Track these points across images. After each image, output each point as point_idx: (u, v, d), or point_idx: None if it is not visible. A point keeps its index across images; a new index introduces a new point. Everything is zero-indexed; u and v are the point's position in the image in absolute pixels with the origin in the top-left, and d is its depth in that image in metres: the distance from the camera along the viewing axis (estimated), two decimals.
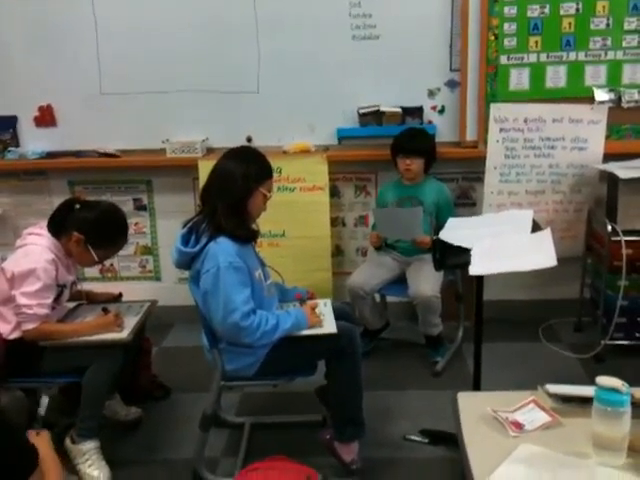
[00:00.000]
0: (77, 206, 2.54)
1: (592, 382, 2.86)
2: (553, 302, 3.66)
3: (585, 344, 3.30)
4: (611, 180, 3.18)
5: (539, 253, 1.97)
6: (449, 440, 2.56)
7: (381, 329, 3.40)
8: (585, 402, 1.47)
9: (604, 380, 1.32)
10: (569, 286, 3.57)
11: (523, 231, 2.21)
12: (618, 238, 3.01)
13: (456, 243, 2.19)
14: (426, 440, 2.60)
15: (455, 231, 2.33)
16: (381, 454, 2.53)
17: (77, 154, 3.63)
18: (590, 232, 3.38)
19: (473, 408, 1.53)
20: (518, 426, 1.45)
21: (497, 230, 2.27)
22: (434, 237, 2.23)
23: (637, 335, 3.12)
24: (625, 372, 2.97)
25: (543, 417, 1.47)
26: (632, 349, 3.14)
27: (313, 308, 2.36)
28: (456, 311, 3.42)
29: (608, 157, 3.27)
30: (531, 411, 1.51)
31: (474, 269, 1.99)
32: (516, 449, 1.36)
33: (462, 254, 2.10)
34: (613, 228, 3.04)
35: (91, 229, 2.49)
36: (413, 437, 2.62)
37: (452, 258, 2.14)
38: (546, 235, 2.09)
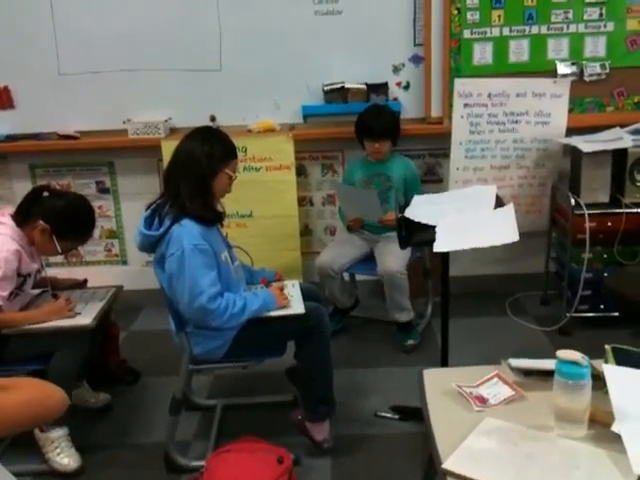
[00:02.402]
0: (45, 194, 2.48)
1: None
2: (519, 276, 3.71)
3: (551, 317, 3.35)
4: (574, 154, 3.21)
5: (501, 229, 1.99)
6: (419, 415, 2.57)
7: (351, 308, 3.41)
8: (547, 375, 1.49)
9: (564, 353, 1.34)
10: (535, 260, 3.62)
11: (486, 207, 2.22)
12: (582, 212, 3.05)
13: (420, 220, 2.19)
14: (397, 416, 2.63)
15: (420, 208, 2.33)
16: (353, 431, 2.55)
17: (37, 137, 3.55)
18: (554, 206, 3.42)
19: (438, 384, 1.54)
20: (482, 400, 1.47)
21: (461, 206, 2.28)
22: (399, 215, 2.22)
23: (601, 307, 3.17)
24: (590, 344, 3.04)
25: (506, 391, 1.49)
26: (597, 321, 3.20)
27: (281, 289, 2.35)
28: (424, 287, 3.44)
29: (571, 131, 3.30)
30: (495, 385, 1.52)
31: (438, 246, 2.00)
32: (480, 423, 1.38)
33: (427, 231, 2.10)
34: (577, 202, 3.08)
35: (58, 220, 2.43)
36: (384, 414, 2.65)
37: (417, 235, 2.15)
38: (508, 211, 2.10)
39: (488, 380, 1.54)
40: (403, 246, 2.16)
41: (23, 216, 2.45)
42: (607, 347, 1.52)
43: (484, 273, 3.73)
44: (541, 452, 1.29)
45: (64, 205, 2.47)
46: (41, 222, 2.41)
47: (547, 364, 1.50)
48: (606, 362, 1.50)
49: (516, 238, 1.94)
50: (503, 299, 3.63)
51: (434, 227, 2.12)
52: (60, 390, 1.34)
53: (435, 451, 1.32)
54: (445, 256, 2.23)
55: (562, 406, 1.32)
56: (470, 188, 2.71)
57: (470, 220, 2.10)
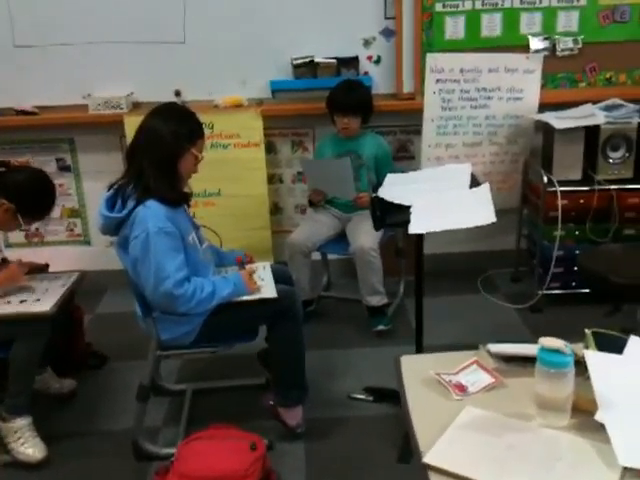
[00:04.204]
0: (2, 169, 2.39)
1: (530, 332, 3.00)
2: (491, 253, 3.70)
3: (522, 294, 3.35)
4: (547, 130, 3.18)
5: (478, 210, 1.94)
6: (393, 397, 2.56)
7: (311, 302, 3.28)
8: (527, 361, 1.46)
9: (547, 341, 1.30)
10: (506, 237, 3.60)
11: (461, 186, 2.18)
12: (554, 189, 3.03)
13: (395, 201, 2.14)
14: (370, 398, 2.60)
15: (394, 188, 2.28)
16: (326, 414, 2.52)
17: None
18: (526, 183, 3.40)
19: (416, 371, 1.50)
20: (461, 388, 1.43)
21: (435, 186, 2.23)
22: (373, 195, 2.16)
23: (573, 284, 3.18)
24: (561, 321, 3.09)
25: (486, 378, 1.45)
26: (568, 298, 3.21)
27: (251, 274, 2.27)
28: (397, 266, 3.40)
29: (543, 107, 3.27)
30: (474, 372, 1.48)
31: (414, 228, 1.95)
32: (460, 413, 1.34)
33: (402, 212, 2.05)
34: (549, 179, 3.06)
35: (21, 196, 2.36)
36: (358, 395, 2.62)
37: (392, 217, 2.09)
38: (484, 190, 2.06)
39: (467, 367, 1.49)
40: (377, 227, 2.10)
41: None
42: (587, 332, 1.49)
43: (455, 251, 3.71)
44: (523, 443, 1.26)
45: (25, 180, 2.40)
46: (3, 200, 2.33)
47: (527, 349, 1.47)
48: (587, 347, 1.47)
49: (493, 219, 1.90)
50: (475, 276, 3.62)
51: (409, 207, 2.06)
52: None
53: (415, 444, 1.28)
54: (420, 236, 2.18)
55: (544, 395, 1.28)
56: (444, 167, 2.65)
57: (445, 200, 2.05)
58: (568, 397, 1.28)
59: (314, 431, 2.41)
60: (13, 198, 2.34)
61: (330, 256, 3.52)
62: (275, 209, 3.64)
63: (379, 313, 3.09)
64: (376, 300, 3.06)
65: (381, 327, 3.06)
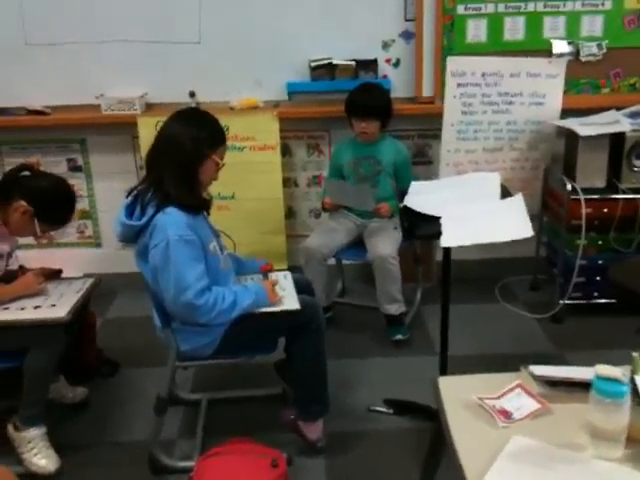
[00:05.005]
0: (26, 173, 2.35)
1: (553, 344, 2.94)
2: (507, 261, 3.62)
3: (542, 303, 3.29)
4: (570, 137, 3.12)
5: (514, 222, 1.88)
6: (414, 410, 2.51)
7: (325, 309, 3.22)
8: (573, 386, 1.40)
9: (603, 369, 1.23)
10: (524, 244, 3.50)
11: (492, 197, 2.11)
12: (577, 197, 2.97)
13: (423, 211, 2.07)
14: (390, 411, 2.53)
15: (420, 197, 2.21)
16: (346, 427, 2.45)
17: (3, 112, 3.31)
18: (546, 190, 3.33)
19: (455, 394, 1.44)
20: (506, 415, 1.37)
21: (464, 195, 2.16)
22: (401, 205, 2.09)
23: (595, 294, 3.11)
24: (584, 333, 3.03)
25: (531, 404, 1.39)
26: (590, 309, 3.14)
27: (274, 284, 2.20)
28: (413, 273, 3.33)
29: (565, 112, 3.20)
30: (518, 397, 1.42)
31: (446, 241, 1.88)
32: (508, 443, 1.28)
33: (432, 223, 1.98)
34: (572, 187, 2.99)
35: (41, 201, 2.31)
36: (377, 408, 2.55)
37: (422, 228, 2.02)
38: (518, 202, 1.99)
39: (510, 391, 1.43)
40: (407, 238, 2.03)
41: (3, 195, 2.31)
42: (635, 355, 1.42)
43: (470, 258, 3.63)
44: (575, 475, 1.20)
45: (48, 187, 2.35)
46: (23, 203, 2.28)
47: (575, 373, 1.40)
48: (635, 372, 1.40)
49: (530, 233, 1.83)
50: (491, 284, 3.55)
51: (438, 218, 1.99)
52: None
53: (462, 474, 1.21)
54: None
55: (598, 425, 1.22)
56: (471, 175, 2.59)
57: (478, 211, 1.98)
58: (623, 428, 1.22)
59: (334, 445, 2.35)
60: (33, 202, 2.30)
61: (344, 261, 3.45)
62: (289, 213, 3.58)
63: (397, 322, 3.02)
64: (394, 309, 2.99)
65: (399, 336, 3.00)
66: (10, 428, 2.29)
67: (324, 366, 2.23)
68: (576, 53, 3.25)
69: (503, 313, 3.29)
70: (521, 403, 1.40)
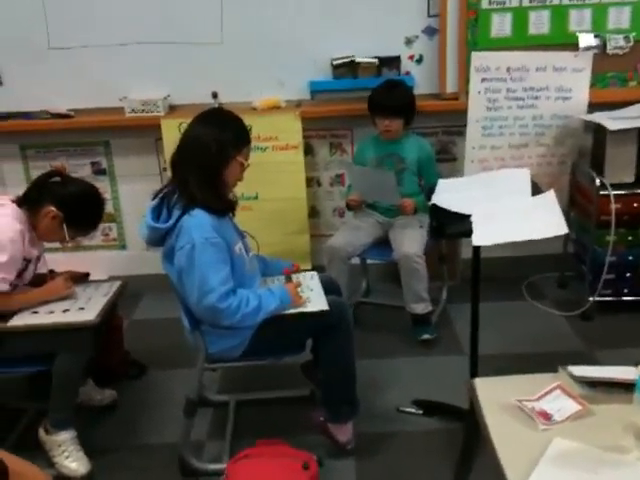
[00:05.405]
0: (57, 179, 2.36)
1: (583, 342, 2.89)
2: (534, 258, 3.56)
3: (570, 301, 3.24)
4: (597, 131, 3.06)
5: (547, 219, 1.84)
6: (443, 410, 2.49)
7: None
8: (614, 386, 1.37)
9: None
10: (551, 241, 3.45)
11: (523, 193, 2.07)
12: (606, 192, 2.92)
13: (452, 209, 2.04)
14: (420, 411, 2.51)
15: (449, 195, 2.18)
16: (375, 429, 2.43)
17: (27, 116, 3.33)
18: (574, 185, 3.28)
19: (492, 396, 1.41)
20: (546, 417, 1.34)
21: (494, 193, 2.12)
22: (430, 204, 2.07)
23: (625, 291, 3.06)
24: (615, 330, 2.98)
25: (571, 405, 1.36)
26: (619, 306, 3.09)
27: (297, 287, 2.18)
28: (439, 272, 3.30)
29: (592, 107, 3.14)
30: (557, 398, 1.39)
31: (478, 239, 1.85)
32: (549, 445, 1.25)
33: (461, 221, 1.95)
34: (601, 182, 2.94)
35: (71, 207, 2.32)
36: (406, 409, 2.52)
37: (452, 226, 1.99)
38: (550, 198, 1.95)
39: (549, 392, 1.40)
40: (436, 237, 2.00)
41: (33, 200, 2.32)
42: None
43: (496, 255, 3.56)
44: (622, 478, 1.16)
45: (77, 193, 2.36)
46: (53, 208, 2.29)
47: (616, 373, 1.37)
48: None
49: (565, 230, 1.80)
50: (518, 282, 3.51)
51: (468, 216, 1.96)
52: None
53: (503, 478, 1.19)
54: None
55: None
56: (500, 172, 2.54)
57: (509, 209, 1.95)
58: None
59: (363, 447, 2.33)
60: (63, 208, 2.31)
61: (369, 260, 3.43)
62: (312, 212, 3.56)
63: (424, 321, 2.99)
64: (421, 308, 2.96)
65: (426, 336, 2.97)
66: (41, 431, 2.31)
67: (353, 368, 2.21)
68: (603, 46, 3.20)
69: (531, 311, 3.24)
70: (561, 405, 1.37)
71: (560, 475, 1.18)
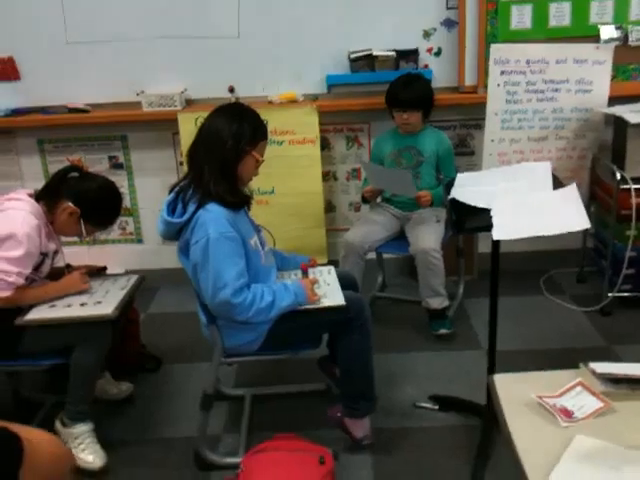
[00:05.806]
0: (74, 174, 2.37)
1: (603, 337, 2.86)
2: (552, 252, 3.53)
3: (589, 296, 3.21)
4: (618, 125, 3.02)
5: (569, 213, 1.81)
6: (460, 406, 2.47)
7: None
8: (637, 383, 1.34)
9: None
10: (569, 236, 3.40)
11: (544, 187, 2.04)
12: (627, 186, 2.87)
13: (472, 203, 2.01)
14: (436, 407, 2.48)
15: (468, 189, 2.15)
16: (391, 424, 2.42)
17: (45, 110, 3.35)
18: (594, 179, 3.23)
19: (512, 393, 1.39)
20: (567, 414, 1.32)
21: (514, 186, 2.09)
22: (449, 197, 2.04)
23: None
24: (635, 326, 2.93)
25: (593, 402, 1.34)
26: (639, 301, 3.05)
27: (313, 283, 2.17)
28: (456, 266, 3.27)
29: (613, 99, 3.09)
30: (579, 395, 1.37)
31: (498, 234, 1.82)
32: (571, 442, 1.22)
33: (481, 215, 1.93)
34: (622, 176, 2.90)
35: (89, 203, 2.34)
36: (423, 404, 2.50)
37: (471, 221, 1.97)
38: (572, 192, 1.92)
39: (571, 389, 1.37)
40: (456, 231, 1.98)
41: (51, 195, 2.33)
42: None
43: (514, 250, 3.53)
44: None
45: (95, 189, 2.37)
46: (70, 204, 2.30)
47: (636, 370, 1.34)
48: None
49: (587, 224, 1.77)
50: (536, 276, 3.47)
51: (488, 211, 1.94)
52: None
53: (524, 475, 1.17)
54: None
55: None
56: (520, 165, 2.50)
57: (530, 203, 1.92)
58: None
59: (380, 442, 2.31)
60: (80, 204, 2.32)
61: (384, 255, 3.41)
62: (329, 207, 3.55)
63: (440, 316, 2.97)
64: (437, 302, 2.94)
65: (443, 331, 2.95)
66: (58, 424, 2.32)
67: (370, 363, 2.19)
68: (624, 38, 3.15)
69: (549, 306, 3.21)
70: (583, 402, 1.35)
71: (582, 473, 1.16)
